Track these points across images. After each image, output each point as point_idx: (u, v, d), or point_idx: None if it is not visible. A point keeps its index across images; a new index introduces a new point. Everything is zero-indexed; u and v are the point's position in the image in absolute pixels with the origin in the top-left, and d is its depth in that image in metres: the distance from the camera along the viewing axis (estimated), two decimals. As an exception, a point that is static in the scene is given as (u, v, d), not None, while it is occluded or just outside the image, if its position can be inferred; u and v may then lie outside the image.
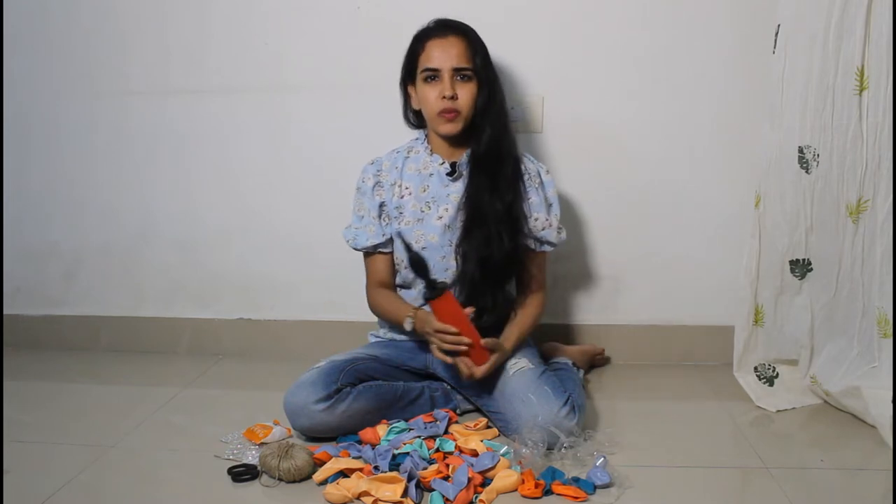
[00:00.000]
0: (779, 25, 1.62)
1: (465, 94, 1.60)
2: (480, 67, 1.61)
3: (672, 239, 2.01)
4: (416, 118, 1.72)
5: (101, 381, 1.98)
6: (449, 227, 1.64)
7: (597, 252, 2.03)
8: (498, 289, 1.63)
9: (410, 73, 1.66)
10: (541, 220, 1.67)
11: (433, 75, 1.60)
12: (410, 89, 1.68)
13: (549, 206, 1.69)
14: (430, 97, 1.61)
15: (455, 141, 1.65)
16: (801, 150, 1.62)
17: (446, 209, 1.65)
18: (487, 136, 1.62)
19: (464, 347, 1.51)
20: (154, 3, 2.02)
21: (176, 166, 2.10)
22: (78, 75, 2.08)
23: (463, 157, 1.67)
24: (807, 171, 1.62)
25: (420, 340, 1.69)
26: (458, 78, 1.60)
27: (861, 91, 1.55)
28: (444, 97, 1.58)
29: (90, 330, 2.19)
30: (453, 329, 1.49)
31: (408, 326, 1.58)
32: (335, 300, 2.09)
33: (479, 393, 1.61)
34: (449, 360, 1.54)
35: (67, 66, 2.08)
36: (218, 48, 2.02)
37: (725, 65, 1.91)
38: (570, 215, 2.00)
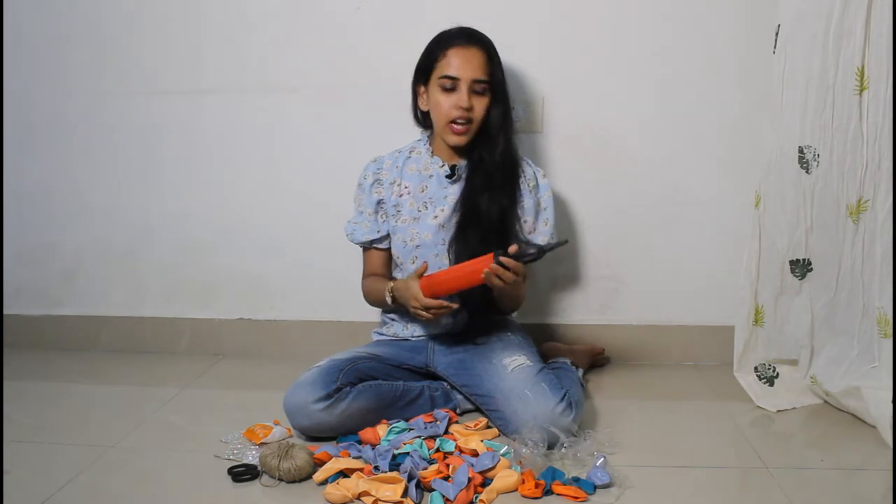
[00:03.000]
0: (779, 25, 1.62)
1: (480, 107, 1.62)
2: (497, 81, 1.63)
3: (672, 239, 2.01)
4: (423, 118, 1.73)
5: (101, 381, 1.98)
6: (443, 226, 1.67)
7: (597, 252, 2.03)
8: (488, 288, 1.64)
9: (425, 74, 1.65)
10: (529, 223, 1.69)
11: (451, 85, 1.60)
12: (421, 90, 1.68)
13: (544, 209, 1.71)
14: (443, 105, 1.61)
15: (459, 148, 1.67)
16: (801, 150, 1.62)
17: (442, 210, 1.68)
18: (502, 150, 1.65)
19: (445, 310, 1.54)
20: (154, 3, 2.02)
21: (176, 166, 2.10)
22: (78, 75, 2.08)
23: (463, 162, 1.69)
24: (807, 171, 1.62)
25: (420, 337, 1.72)
26: (475, 91, 1.61)
27: (861, 91, 1.55)
28: (459, 107, 1.60)
29: (90, 330, 2.19)
30: (435, 304, 1.52)
31: (388, 299, 1.62)
32: (335, 300, 2.09)
33: (478, 390, 1.61)
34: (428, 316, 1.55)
35: (68, 65, 2.08)
36: (218, 49, 2.02)
37: (725, 65, 1.91)
38: (570, 215, 2.00)
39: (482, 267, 1.48)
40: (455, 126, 1.61)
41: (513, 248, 1.47)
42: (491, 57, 1.63)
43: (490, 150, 1.65)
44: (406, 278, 1.61)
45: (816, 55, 1.56)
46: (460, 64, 1.60)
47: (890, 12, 1.50)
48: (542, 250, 1.48)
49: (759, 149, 1.71)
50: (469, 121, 1.61)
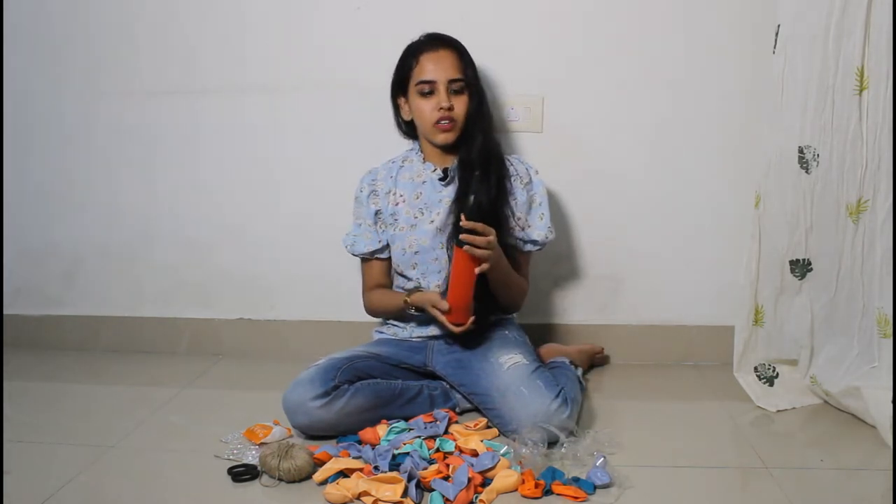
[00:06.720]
0: (779, 25, 1.62)
1: (460, 104, 1.67)
2: (472, 78, 1.68)
3: (672, 239, 2.01)
4: (407, 128, 1.78)
5: (101, 381, 1.98)
6: (440, 229, 1.69)
7: (596, 252, 2.03)
8: (486, 283, 1.64)
9: (402, 85, 1.71)
10: (522, 219, 1.71)
11: (429, 89, 1.65)
12: (401, 101, 1.74)
13: (538, 204, 1.73)
14: (425, 109, 1.67)
15: (447, 148, 1.71)
16: (801, 151, 1.62)
17: (438, 213, 1.70)
18: (479, 143, 1.68)
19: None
20: (154, 3, 2.02)
21: (176, 166, 2.10)
22: (78, 75, 2.08)
23: (454, 162, 1.72)
24: (807, 172, 1.62)
25: (420, 338, 1.73)
26: (453, 90, 1.66)
27: (861, 91, 1.55)
28: (441, 108, 1.64)
29: (90, 330, 2.19)
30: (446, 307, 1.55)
31: (408, 308, 1.64)
32: (335, 300, 2.09)
33: (475, 389, 1.61)
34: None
35: (68, 65, 2.08)
36: (216, 49, 2.02)
37: (725, 65, 1.91)
38: (570, 214, 2.00)
39: (463, 256, 1.50)
40: (441, 124, 1.66)
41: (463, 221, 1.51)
42: (461, 55, 1.68)
43: (469, 146, 1.68)
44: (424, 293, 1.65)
45: (816, 55, 1.56)
46: (434, 67, 1.65)
47: (890, 12, 1.50)
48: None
49: (759, 149, 1.71)
50: (452, 119, 1.65)
